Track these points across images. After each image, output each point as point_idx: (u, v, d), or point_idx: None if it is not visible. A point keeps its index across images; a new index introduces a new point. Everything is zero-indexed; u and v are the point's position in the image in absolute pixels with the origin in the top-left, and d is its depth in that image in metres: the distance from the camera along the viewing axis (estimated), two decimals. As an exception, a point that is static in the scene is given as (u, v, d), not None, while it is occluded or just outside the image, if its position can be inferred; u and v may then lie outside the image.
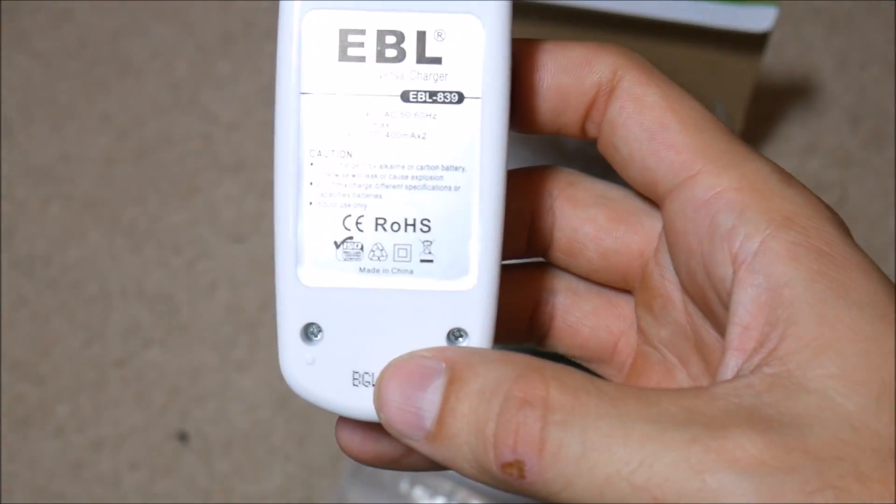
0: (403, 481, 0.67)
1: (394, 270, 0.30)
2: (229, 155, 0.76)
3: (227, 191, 0.75)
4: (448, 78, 0.30)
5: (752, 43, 0.64)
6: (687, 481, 0.25)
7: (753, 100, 0.71)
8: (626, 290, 0.35)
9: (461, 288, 0.31)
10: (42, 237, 0.74)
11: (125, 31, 0.79)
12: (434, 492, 0.66)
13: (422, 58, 0.30)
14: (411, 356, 0.30)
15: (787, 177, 0.30)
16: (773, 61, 0.77)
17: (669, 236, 0.31)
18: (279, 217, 0.30)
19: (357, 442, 0.33)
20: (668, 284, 0.33)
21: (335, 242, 0.30)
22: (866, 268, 0.28)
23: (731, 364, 0.28)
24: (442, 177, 0.30)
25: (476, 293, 0.31)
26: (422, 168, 0.30)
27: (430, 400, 0.28)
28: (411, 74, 0.30)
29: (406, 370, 0.29)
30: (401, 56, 0.30)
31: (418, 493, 0.66)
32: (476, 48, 0.30)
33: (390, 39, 0.30)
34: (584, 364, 0.36)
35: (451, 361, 0.29)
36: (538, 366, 0.28)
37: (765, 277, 0.28)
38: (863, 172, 0.75)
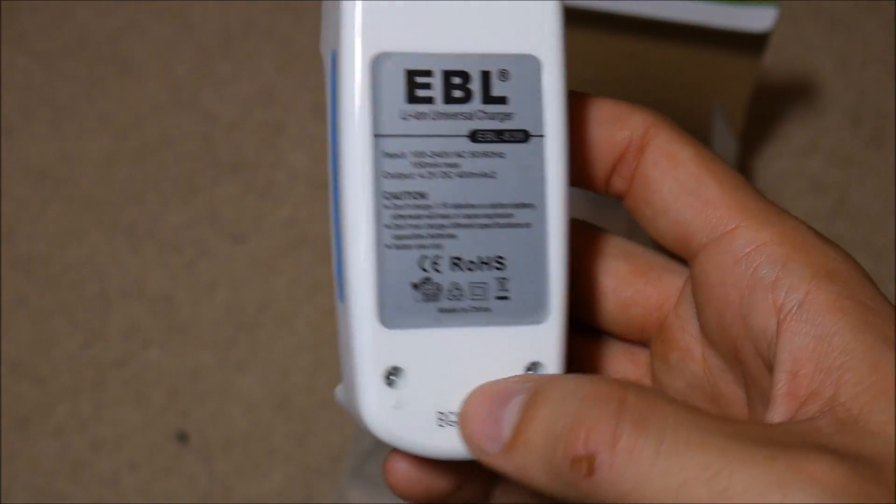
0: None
1: (471, 309, 0.31)
2: (229, 155, 0.76)
3: (227, 191, 0.75)
4: (513, 117, 0.31)
5: (752, 43, 0.64)
6: (768, 494, 0.25)
7: (753, 100, 0.71)
8: (640, 343, 0.36)
9: (536, 322, 0.31)
10: (42, 237, 0.74)
11: (125, 31, 0.79)
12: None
13: (488, 98, 0.31)
14: (499, 381, 0.30)
15: (821, 235, 0.31)
16: (773, 61, 0.77)
17: (703, 289, 0.32)
18: (352, 262, 0.30)
19: (411, 479, 0.33)
20: (688, 337, 0.34)
21: (413, 284, 0.30)
22: None
23: (781, 409, 0.29)
24: (513, 214, 0.31)
25: (550, 326, 0.31)
26: (493, 206, 0.31)
27: (511, 411, 0.29)
28: (478, 114, 0.31)
29: (492, 390, 0.30)
30: (467, 97, 0.31)
31: (418, 493, 0.66)
32: (536, 86, 0.31)
33: (456, 80, 0.30)
34: None
35: (534, 380, 0.30)
36: (617, 379, 0.29)
37: (812, 326, 0.29)
38: (863, 172, 0.75)
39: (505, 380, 0.30)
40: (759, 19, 0.62)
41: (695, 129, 0.71)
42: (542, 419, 0.28)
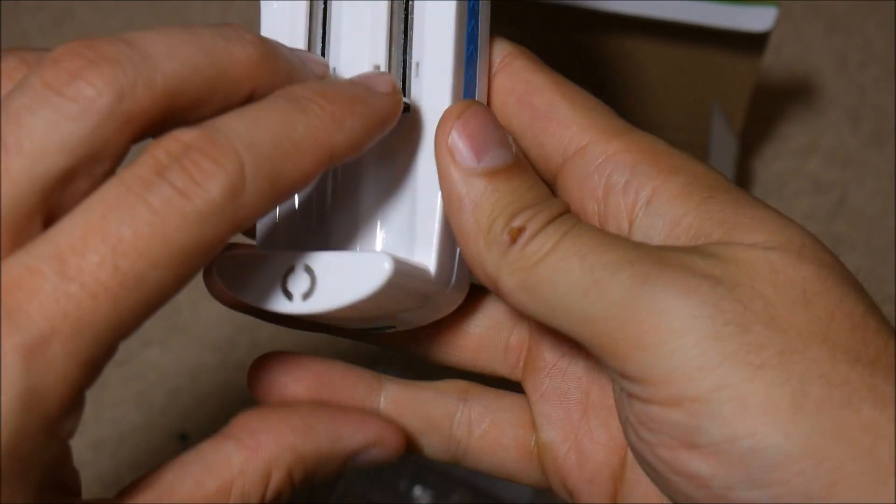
0: (403, 480, 0.67)
1: None
2: (229, 155, 0.76)
3: (228, 191, 0.75)
4: None
5: (752, 43, 0.64)
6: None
7: (753, 100, 0.71)
8: None
9: None
10: (42, 237, 0.74)
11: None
12: (434, 492, 0.66)
13: None
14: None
15: (669, 144, 0.33)
16: (773, 61, 0.77)
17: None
18: None
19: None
20: None
21: None
22: (748, 195, 0.32)
23: None
24: None
25: None
26: None
27: (494, 157, 0.32)
28: None
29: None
30: None
31: (418, 492, 0.67)
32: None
33: None
34: None
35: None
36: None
37: (661, 217, 0.31)
38: (863, 172, 0.75)
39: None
40: (759, 19, 0.62)
41: (695, 129, 0.71)
42: (508, 191, 0.31)
